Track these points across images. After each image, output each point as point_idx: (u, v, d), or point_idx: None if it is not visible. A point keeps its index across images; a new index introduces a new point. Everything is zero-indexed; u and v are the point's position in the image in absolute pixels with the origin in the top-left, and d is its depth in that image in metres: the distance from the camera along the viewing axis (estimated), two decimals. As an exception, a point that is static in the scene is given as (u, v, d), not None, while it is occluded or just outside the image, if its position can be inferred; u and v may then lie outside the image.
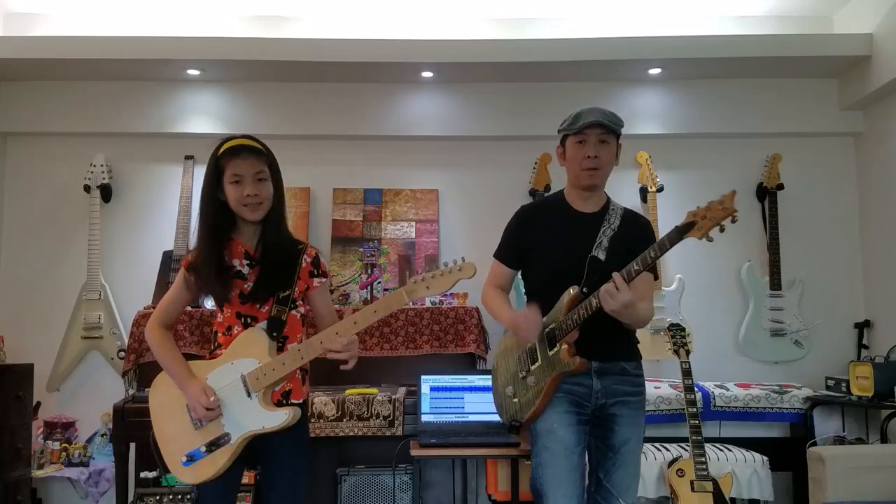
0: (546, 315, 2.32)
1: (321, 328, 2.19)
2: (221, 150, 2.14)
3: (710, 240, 1.98)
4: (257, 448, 2.14)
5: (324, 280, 2.25)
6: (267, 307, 2.16)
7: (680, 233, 2.01)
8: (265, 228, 2.18)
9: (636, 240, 2.30)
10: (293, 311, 2.18)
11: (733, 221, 1.96)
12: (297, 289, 2.17)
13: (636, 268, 2.11)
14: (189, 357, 2.23)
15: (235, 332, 2.16)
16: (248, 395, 2.08)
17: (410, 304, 3.92)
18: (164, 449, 2.15)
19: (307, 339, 2.10)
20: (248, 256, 2.18)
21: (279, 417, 2.07)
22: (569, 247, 2.34)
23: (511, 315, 2.38)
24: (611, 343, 2.31)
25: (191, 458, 2.09)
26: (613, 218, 2.38)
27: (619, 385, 2.33)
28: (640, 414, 2.37)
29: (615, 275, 2.11)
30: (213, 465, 2.08)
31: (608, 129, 2.33)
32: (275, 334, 2.13)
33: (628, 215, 2.42)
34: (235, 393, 2.09)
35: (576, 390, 2.32)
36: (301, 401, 2.19)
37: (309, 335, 2.16)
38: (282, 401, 2.15)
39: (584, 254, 2.31)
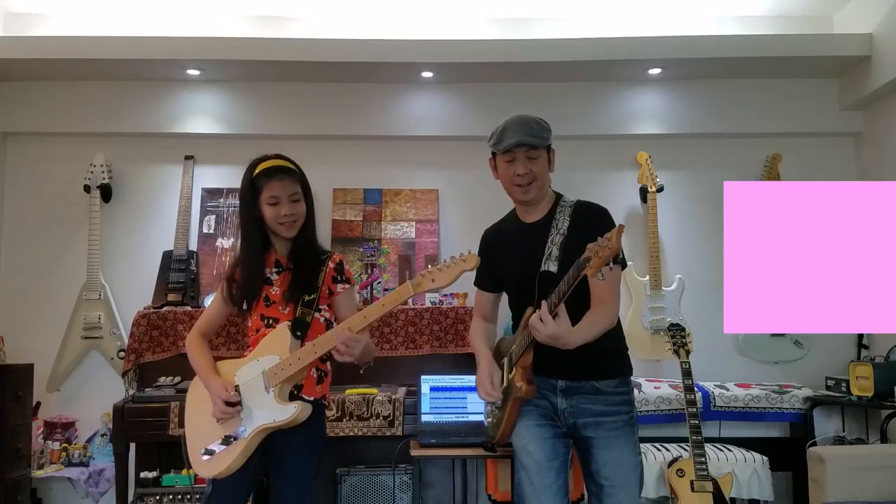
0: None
1: None
2: (257, 170, 2.24)
3: (603, 277, 1.86)
4: (270, 449, 2.19)
5: (347, 286, 2.34)
6: (289, 310, 2.25)
7: (579, 268, 1.92)
8: (298, 241, 2.30)
9: (591, 233, 2.01)
10: (317, 315, 2.27)
11: (618, 261, 1.85)
12: (321, 294, 2.27)
13: (554, 300, 2.00)
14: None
15: (261, 333, 2.26)
16: (266, 389, 2.16)
17: (410, 302, 3.93)
18: (190, 443, 2.25)
19: (322, 335, 2.17)
20: (278, 264, 2.31)
21: (288, 411, 2.12)
22: (521, 263, 2.29)
23: (480, 367, 2.32)
24: (578, 361, 2.14)
25: (209, 452, 2.16)
26: (562, 221, 2.25)
27: (589, 405, 2.21)
28: (618, 435, 2.20)
29: (543, 304, 2.00)
30: (226, 458, 2.14)
31: (533, 145, 2.24)
32: (298, 333, 2.21)
33: (579, 210, 2.27)
34: (256, 388, 2.17)
35: (543, 405, 2.27)
36: (312, 398, 2.25)
37: None
38: (294, 392, 2.22)
39: (535, 268, 2.21)
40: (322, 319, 2.28)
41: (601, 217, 2.27)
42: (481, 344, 2.43)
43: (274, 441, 2.18)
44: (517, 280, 2.31)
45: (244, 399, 2.17)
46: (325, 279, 2.28)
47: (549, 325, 1.97)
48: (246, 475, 2.19)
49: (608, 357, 2.26)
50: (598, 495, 2.23)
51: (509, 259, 2.36)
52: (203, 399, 2.24)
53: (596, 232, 1.97)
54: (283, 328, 2.21)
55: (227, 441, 2.14)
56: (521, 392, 2.14)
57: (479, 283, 2.51)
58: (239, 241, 2.33)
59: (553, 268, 2.18)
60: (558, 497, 2.21)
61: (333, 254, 2.36)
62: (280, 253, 2.32)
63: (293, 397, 2.20)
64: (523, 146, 2.24)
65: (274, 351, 2.18)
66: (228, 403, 2.15)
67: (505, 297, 2.48)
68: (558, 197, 2.35)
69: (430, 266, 2.10)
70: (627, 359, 2.34)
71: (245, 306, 2.32)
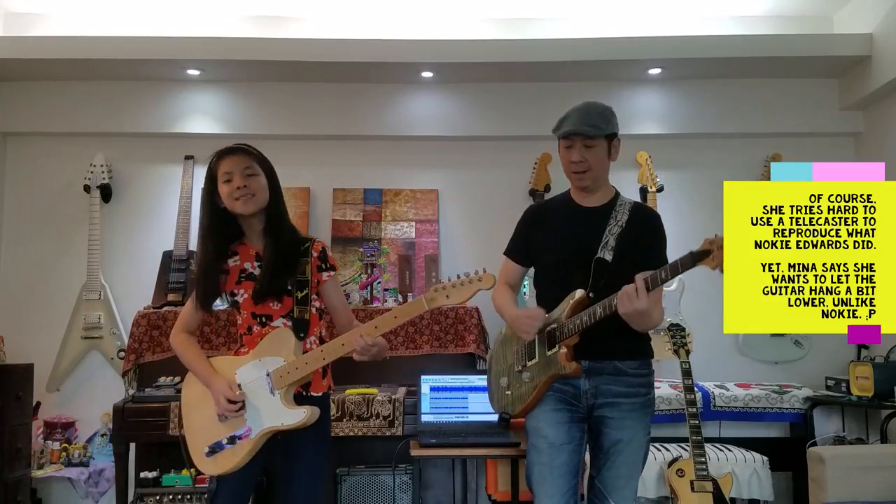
0: (549, 313, 2.32)
1: (335, 320, 2.33)
2: (214, 157, 2.27)
3: (723, 270, 1.95)
4: (276, 444, 2.19)
5: (332, 273, 2.31)
6: (279, 303, 2.22)
7: (694, 259, 2.01)
8: (267, 224, 2.24)
9: (644, 236, 2.31)
10: (311, 308, 2.25)
11: None
12: (311, 286, 2.24)
13: (656, 281, 2.06)
14: None
15: (255, 331, 2.24)
16: (272, 392, 2.15)
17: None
18: (190, 440, 2.24)
19: (330, 341, 2.17)
20: (258, 258, 2.27)
21: (298, 415, 2.13)
22: (574, 243, 2.33)
23: (513, 313, 2.38)
24: (605, 342, 2.25)
25: (213, 450, 2.17)
26: (621, 214, 2.33)
27: (610, 385, 2.28)
28: (633, 416, 2.28)
29: (638, 279, 2.06)
30: (233, 457, 2.15)
31: (588, 135, 2.28)
32: (301, 335, 2.20)
33: (637, 210, 2.37)
34: (260, 389, 2.17)
35: (565, 389, 2.30)
36: (320, 394, 2.26)
37: (328, 328, 2.30)
38: (302, 392, 2.21)
39: (589, 253, 2.28)
40: (314, 310, 2.26)
41: (657, 220, 2.41)
42: (511, 301, 2.47)
43: (282, 438, 2.18)
44: (565, 259, 2.33)
45: (248, 399, 2.17)
46: (311, 270, 2.24)
47: (643, 299, 2.05)
48: (249, 473, 2.19)
49: (631, 337, 2.28)
50: (598, 461, 2.32)
51: (557, 237, 2.38)
52: (200, 396, 2.22)
53: (651, 234, 2.33)
54: (286, 331, 2.20)
55: (232, 441, 2.15)
56: (569, 370, 2.22)
57: (514, 255, 2.51)
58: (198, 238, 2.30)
59: (608, 256, 2.27)
60: (568, 476, 2.26)
61: (315, 241, 2.30)
62: (257, 244, 2.26)
63: (301, 396, 2.20)
64: (579, 135, 2.29)
65: (278, 353, 2.17)
66: (231, 401, 2.15)
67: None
68: (617, 192, 2.42)
69: (444, 280, 2.10)
70: (649, 342, 2.39)
71: (216, 303, 2.28)
